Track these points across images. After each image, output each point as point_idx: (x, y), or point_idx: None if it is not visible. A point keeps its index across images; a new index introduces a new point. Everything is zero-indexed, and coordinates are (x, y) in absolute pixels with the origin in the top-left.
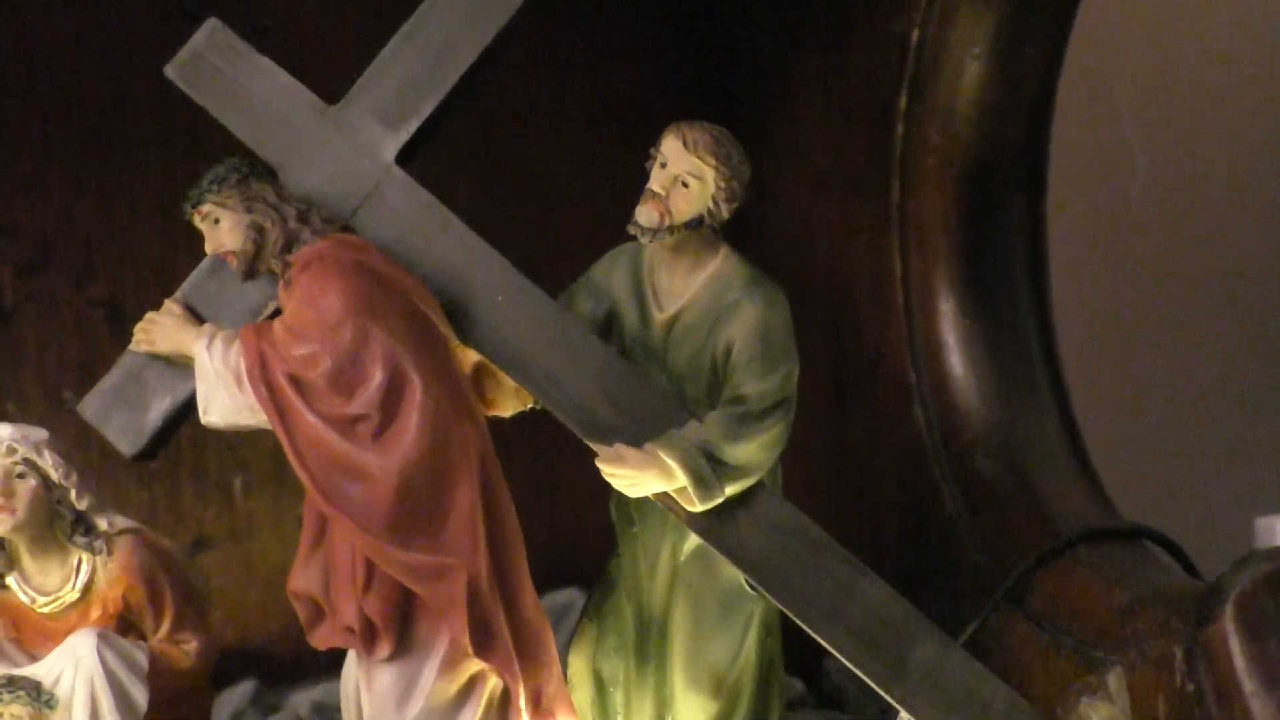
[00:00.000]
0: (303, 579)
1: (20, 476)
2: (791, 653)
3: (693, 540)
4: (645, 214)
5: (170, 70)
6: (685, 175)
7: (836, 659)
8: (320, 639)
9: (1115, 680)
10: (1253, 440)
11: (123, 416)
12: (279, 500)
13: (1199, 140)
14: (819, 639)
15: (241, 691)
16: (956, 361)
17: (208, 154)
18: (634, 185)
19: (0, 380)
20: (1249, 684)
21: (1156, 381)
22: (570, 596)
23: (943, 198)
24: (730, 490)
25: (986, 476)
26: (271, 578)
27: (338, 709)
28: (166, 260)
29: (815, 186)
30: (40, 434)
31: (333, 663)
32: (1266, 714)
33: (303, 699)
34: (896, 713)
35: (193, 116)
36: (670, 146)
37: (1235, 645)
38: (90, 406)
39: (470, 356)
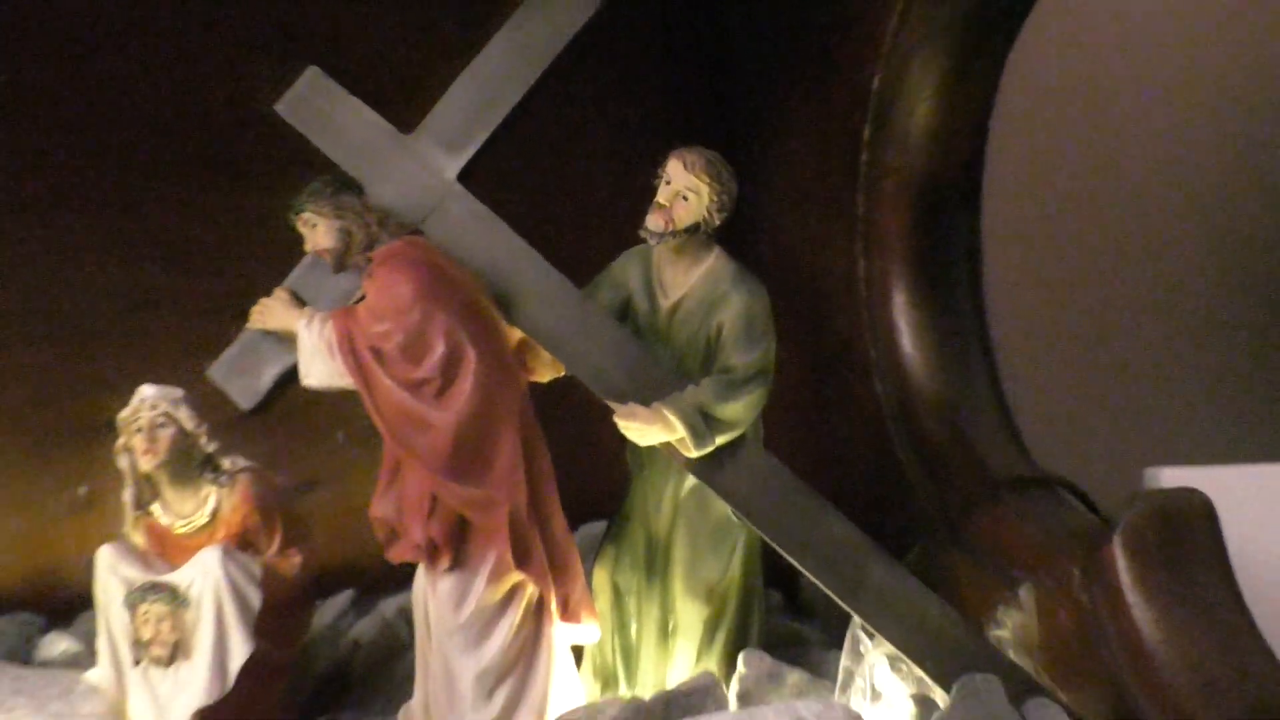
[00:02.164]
0: (381, 507)
1: (161, 426)
2: (773, 572)
3: (690, 481)
4: (653, 222)
5: (280, 107)
6: (685, 190)
7: (808, 578)
8: (395, 554)
9: (1026, 594)
10: (1143, 407)
11: (241, 380)
12: (372, 449)
13: (1111, 160)
14: (791, 560)
15: (342, 599)
16: (908, 343)
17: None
18: (645, 199)
19: (152, 355)
20: (1132, 596)
21: (1068, 358)
22: (600, 528)
23: (898, 211)
24: (720, 440)
25: (931, 435)
26: (366, 510)
27: None
28: (276, 260)
29: (796, 201)
30: (177, 393)
31: (411, 577)
32: (1146, 619)
33: (389, 604)
34: (852, 618)
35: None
36: (673, 167)
37: (1122, 566)
38: (216, 372)
39: (515, 334)
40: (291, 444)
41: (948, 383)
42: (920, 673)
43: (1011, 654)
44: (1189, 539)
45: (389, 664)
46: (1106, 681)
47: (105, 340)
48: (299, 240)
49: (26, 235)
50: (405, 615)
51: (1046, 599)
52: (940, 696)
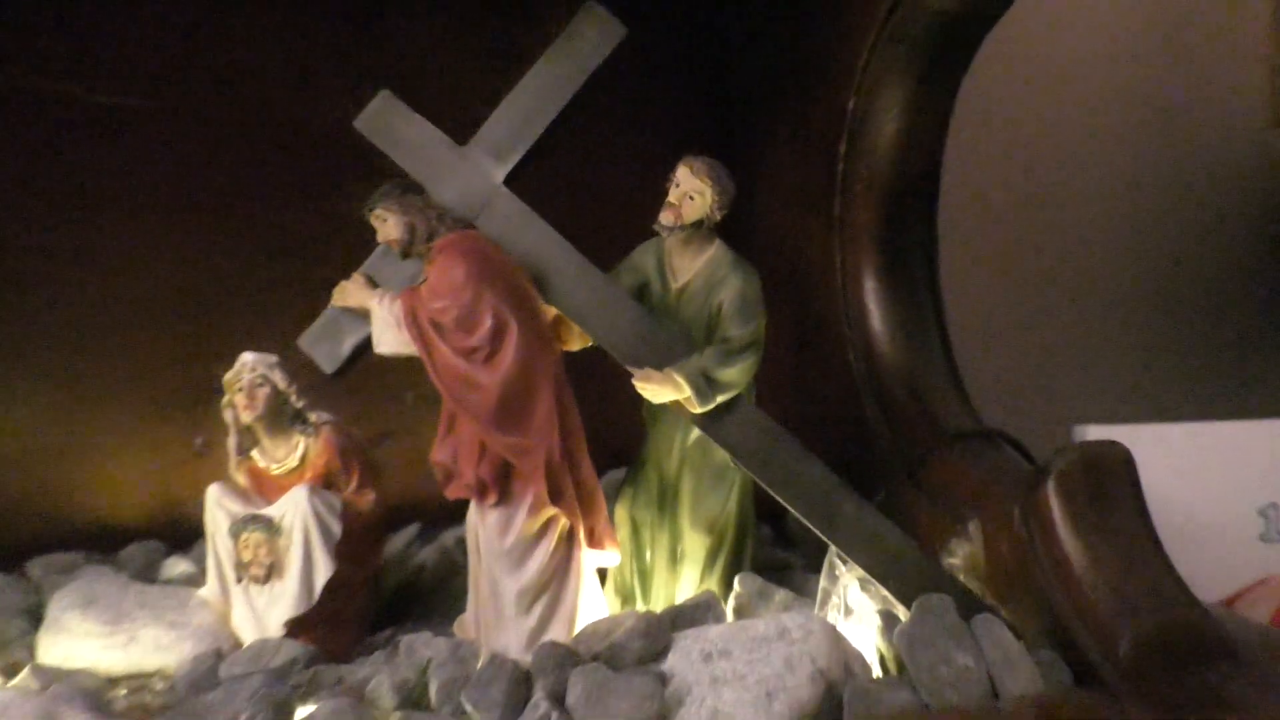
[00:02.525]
0: (440, 453)
1: (259, 385)
2: (764, 509)
3: (695, 432)
4: (664, 217)
5: (358, 124)
6: (691, 191)
7: (792, 514)
8: (451, 492)
9: (974, 528)
10: (1070, 374)
11: (325, 347)
12: (435, 407)
13: (1047, 165)
14: (778, 498)
15: (410, 531)
16: (876, 321)
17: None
18: (656, 201)
19: (258, 329)
20: (1062, 530)
21: (1008, 333)
22: (620, 475)
23: (868, 211)
24: (719, 399)
25: (894, 396)
26: (429, 457)
27: None
28: (356, 252)
29: (783, 203)
30: (272, 358)
31: (465, 513)
32: (1073, 549)
33: (448, 535)
34: (829, 548)
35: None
36: (681, 172)
37: (1054, 505)
38: (304, 341)
39: (551, 311)
40: (370, 403)
41: (908, 353)
42: (885, 592)
43: (961, 578)
44: (1111, 482)
45: (447, 583)
46: (1041, 601)
47: (222, 317)
48: (373, 236)
49: (165, 233)
50: (461, 544)
51: (991, 532)
52: (902, 612)
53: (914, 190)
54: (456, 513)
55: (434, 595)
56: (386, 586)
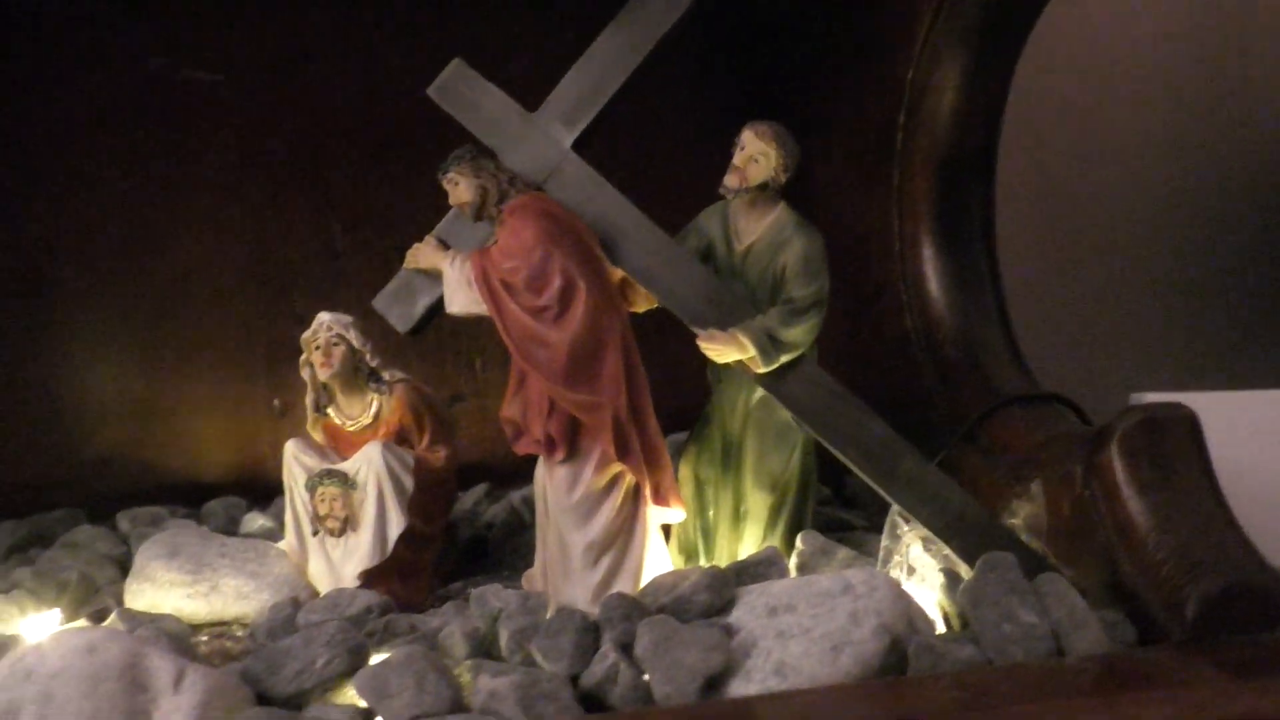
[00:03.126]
0: (510, 410)
1: (335, 344)
2: (824, 470)
3: (759, 392)
4: (730, 180)
5: (430, 91)
6: (756, 154)
7: (853, 475)
8: (520, 448)
9: (1037, 488)
10: (1131, 342)
11: (399, 308)
12: (502, 373)
13: (1103, 132)
14: (839, 456)
15: (478, 490)
16: (933, 287)
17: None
18: (714, 172)
19: (334, 294)
20: (1126, 490)
21: (1067, 298)
22: (683, 438)
23: (927, 181)
24: (783, 359)
25: (951, 360)
26: (498, 420)
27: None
28: (427, 219)
29: (840, 174)
30: (347, 318)
31: (531, 474)
32: (1138, 510)
33: (515, 495)
34: (890, 507)
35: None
36: (746, 135)
37: (1118, 466)
38: (379, 302)
39: (617, 273)
40: (442, 368)
41: (965, 318)
42: (948, 551)
43: (1023, 538)
44: (1175, 443)
45: (515, 539)
46: (1104, 561)
47: (301, 283)
48: (444, 203)
49: (246, 202)
50: (527, 503)
51: (1053, 492)
52: (965, 571)
53: (972, 161)
54: (522, 473)
55: (502, 550)
56: (458, 542)
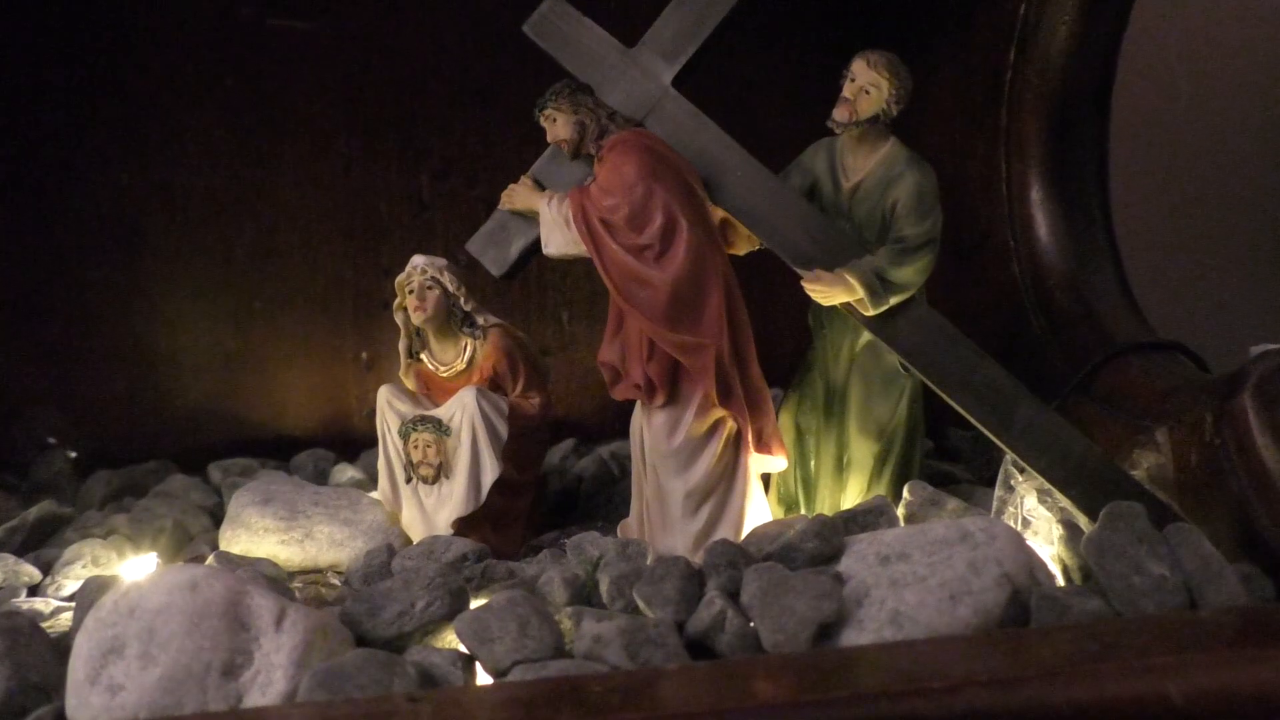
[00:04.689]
0: (607, 354)
1: (429, 288)
2: (927, 422)
3: (865, 337)
4: (839, 113)
5: (526, 28)
6: (867, 85)
7: (956, 429)
8: (619, 393)
9: (1162, 437)
10: (1249, 293)
11: (493, 252)
12: (590, 326)
13: (1224, 71)
14: (951, 402)
15: (566, 445)
16: (1043, 232)
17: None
18: (822, 108)
19: (422, 247)
20: (1260, 439)
21: (1184, 243)
22: (778, 394)
23: (1037, 120)
24: (894, 300)
25: (1062, 308)
26: (585, 374)
27: (625, 456)
28: (515, 168)
29: (941, 118)
30: (442, 261)
31: (619, 429)
32: (1272, 459)
33: (604, 449)
34: (1003, 458)
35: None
36: (857, 66)
37: (1252, 412)
38: (473, 245)
39: (718, 213)
40: (527, 322)
41: (1077, 264)
42: (1066, 503)
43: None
44: None
45: (605, 491)
46: (1236, 512)
47: (388, 235)
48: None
49: (335, 152)
50: (615, 457)
51: (1179, 441)
52: (1084, 523)
53: (1087, 98)
54: (610, 430)
55: (592, 503)
56: (547, 493)
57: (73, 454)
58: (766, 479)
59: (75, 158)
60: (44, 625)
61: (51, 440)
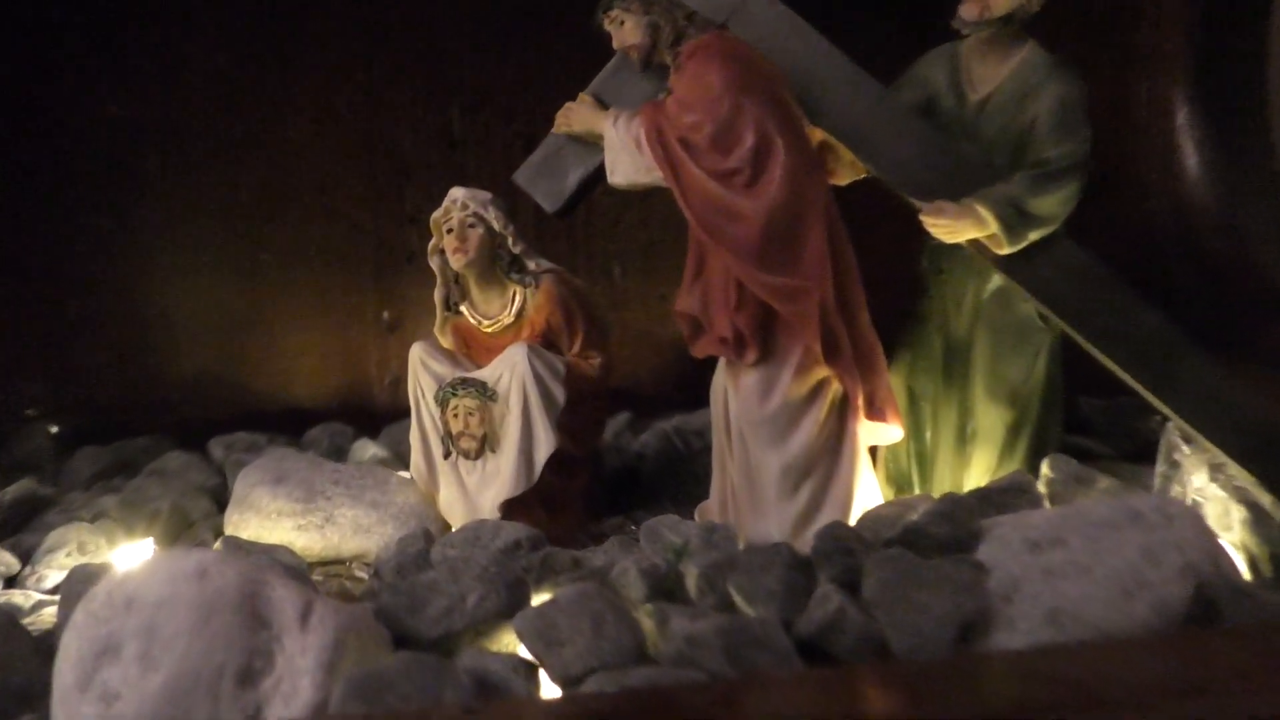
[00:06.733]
0: (687, 301)
1: (471, 226)
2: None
3: (994, 282)
4: (967, 10)
5: None
6: None
7: (1085, 397)
8: (699, 349)
9: None
10: None
11: (546, 184)
12: (645, 282)
13: None
14: (1102, 357)
15: (620, 419)
16: (1191, 163)
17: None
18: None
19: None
20: None
21: None
22: None
23: (1181, 34)
24: (1032, 236)
25: (1215, 253)
26: (639, 338)
27: (692, 431)
28: (558, 103)
29: (1057, 35)
30: (486, 195)
31: (682, 401)
32: None
33: (666, 424)
34: (1162, 428)
35: None
36: None
37: None
38: (522, 176)
39: (816, 134)
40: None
41: (1232, 201)
42: (1245, 478)
43: None
44: None
45: (671, 469)
46: None
47: (413, 178)
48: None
49: (358, 86)
50: (680, 432)
51: None
52: (1269, 502)
53: (1238, 10)
54: (671, 401)
55: (656, 484)
56: (602, 472)
57: (54, 428)
58: (874, 454)
59: (54, 88)
60: (24, 621)
61: (30, 412)
